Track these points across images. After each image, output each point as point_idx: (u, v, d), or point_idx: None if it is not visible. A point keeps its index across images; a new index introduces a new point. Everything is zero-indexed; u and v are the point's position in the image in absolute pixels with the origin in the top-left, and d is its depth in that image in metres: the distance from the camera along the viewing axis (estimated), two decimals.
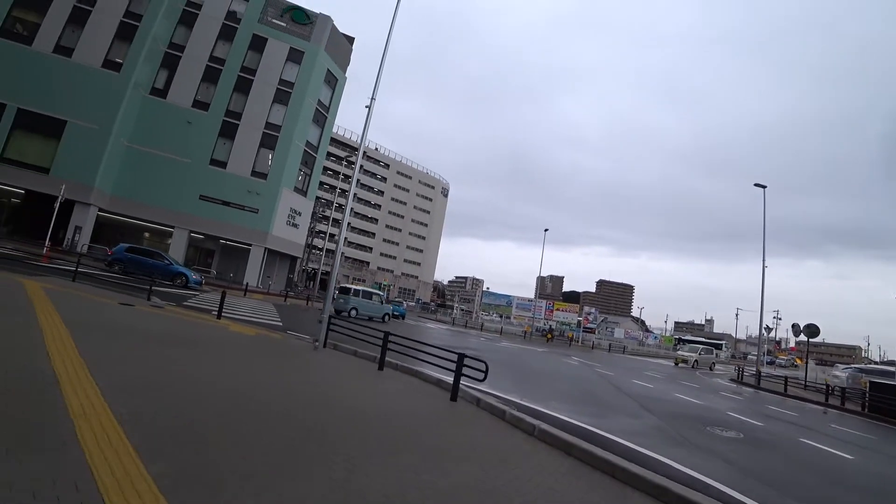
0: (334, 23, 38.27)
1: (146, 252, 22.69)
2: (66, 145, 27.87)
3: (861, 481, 7.16)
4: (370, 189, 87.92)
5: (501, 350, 21.80)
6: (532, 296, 55.21)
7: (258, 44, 35.12)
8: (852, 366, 34.38)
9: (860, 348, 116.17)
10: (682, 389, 16.29)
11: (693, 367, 31.94)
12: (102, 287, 13.95)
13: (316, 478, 3.47)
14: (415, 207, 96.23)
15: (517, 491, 3.93)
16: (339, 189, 57.27)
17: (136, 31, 30.00)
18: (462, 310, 72.35)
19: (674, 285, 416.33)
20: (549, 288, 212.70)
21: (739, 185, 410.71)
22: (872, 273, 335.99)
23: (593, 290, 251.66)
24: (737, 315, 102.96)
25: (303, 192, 38.82)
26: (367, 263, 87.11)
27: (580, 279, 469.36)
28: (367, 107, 12.16)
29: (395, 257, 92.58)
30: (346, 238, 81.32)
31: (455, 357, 7.38)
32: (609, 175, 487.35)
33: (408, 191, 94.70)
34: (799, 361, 76.18)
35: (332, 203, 52.35)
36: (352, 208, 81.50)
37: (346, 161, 71.22)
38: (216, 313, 12.63)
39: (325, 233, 56.05)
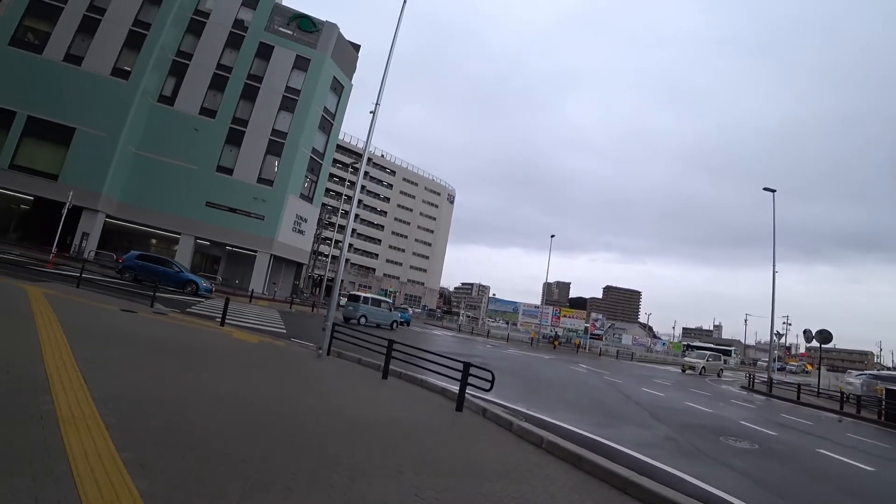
0: (340, 30, 38.50)
1: (157, 259, 22.70)
2: (74, 152, 28.11)
3: (886, 494, 6.88)
4: (376, 196, 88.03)
5: (508, 357, 21.54)
6: (539, 302, 54.86)
7: (265, 51, 35.37)
8: (866, 372, 33.64)
9: (872, 354, 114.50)
10: (692, 397, 15.96)
11: (700, 373, 31.42)
12: (106, 293, 13.91)
13: (314, 494, 3.30)
14: (421, 214, 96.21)
15: None
16: (345, 196, 57.42)
17: (144, 40, 30.32)
18: (468, 316, 72.05)
19: (681, 291, 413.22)
20: (556, 294, 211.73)
21: (746, 189, 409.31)
22: (884, 277, 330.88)
23: (600, 296, 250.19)
24: (745, 321, 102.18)
25: (309, 198, 38.87)
26: (374, 270, 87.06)
27: (587, 285, 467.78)
28: (371, 112, 12.10)
29: (401, 264, 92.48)
30: (352, 245, 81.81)
31: (461, 366, 7.20)
32: (615, 180, 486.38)
33: (414, 197, 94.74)
34: (810, 367, 75.04)
35: (338, 210, 52.38)
36: (358, 215, 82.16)
37: (352, 168, 71.45)
38: (220, 320, 12.53)
39: (331, 239, 56.10)
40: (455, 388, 7.40)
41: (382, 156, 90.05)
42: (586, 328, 48.49)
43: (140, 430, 3.84)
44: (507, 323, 53.11)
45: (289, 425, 4.80)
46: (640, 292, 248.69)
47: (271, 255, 34.74)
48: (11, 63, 27.59)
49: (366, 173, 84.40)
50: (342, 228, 56.11)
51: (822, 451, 9.34)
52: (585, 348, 44.41)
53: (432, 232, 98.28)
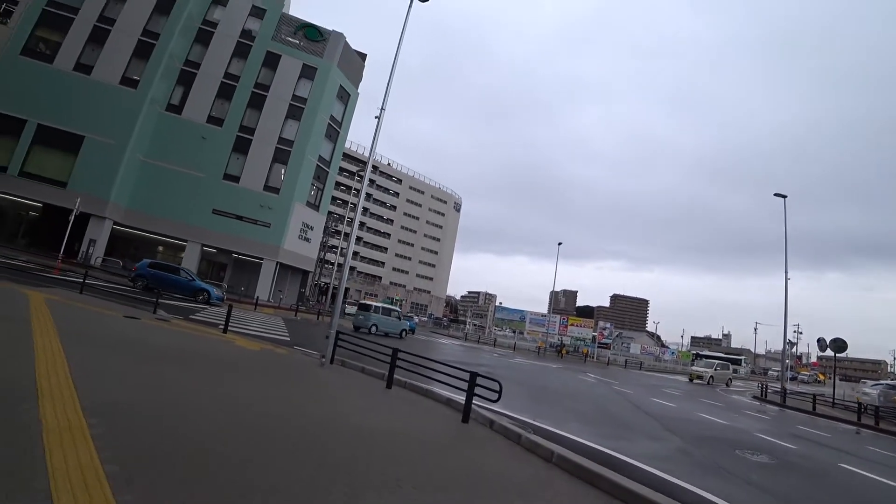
0: (347, 40, 38.72)
1: (169, 268, 22.66)
2: (83, 160, 28.31)
3: None
4: (383, 204, 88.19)
5: (515, 367, 21.21)
6: (545, 311, 54.41)
7: (272, 60, 35.60)
8: (882, 382, 32.84)
9: (885, 363, 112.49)
10: (704, 408, 15.56)
11: (708, 383, 30.78)
12: (109, 299, 13.80)
13: None
14: (427, 222, 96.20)
15: None
16: (352, 204, 57.56)
17: (153, 49, 30.60)
18: (475, 325, 71.63)
19: (689, 299, 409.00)
20: (563, 303, 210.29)
21: (754, 195, 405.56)
22: None
23: (607, 304, 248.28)
24: (755, 329, 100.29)
25: (315, 206, 38.89)
26: (380, 278, 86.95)
27: (594, 294, 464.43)
28: (376, 117, 12.01)
29: (407, 272, 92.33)
30: (358, 253, 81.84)
31: (467, 375, 6.95)
32: (621, 187, 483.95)
33: (420, 206, 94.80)
34: (822, 377, 73.75)
35: (345, 218, 52.46)
36: (364, 223, 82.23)
37: (359, 176, 71.69)
38: (222, 327, 12.36)
39: (337, 247, 56.15)
40: (461, 398, 7.15)
41: (389, 164, 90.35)
42: (594, 337, 47.91)
43: (129, 442, 3.64)
44: (514, 332, 52.63)
45: (287, 436, 4.58)
46: (647, 301, 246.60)
47: (277, 262, 34.69)
48: (23, 72, 27.91)
49: (372, 181, 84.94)
50: (348, 236, 56.18)
51: (844, 465, 8.96)
52: (593, 357, 43.85)
53: (438, 240, 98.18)
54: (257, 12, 35.91)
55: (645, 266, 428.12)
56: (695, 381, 31.48)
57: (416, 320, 46.18)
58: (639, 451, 7.20)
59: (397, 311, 28.18)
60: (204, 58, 33.78)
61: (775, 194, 25.01)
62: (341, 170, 58.57)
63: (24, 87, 27.61)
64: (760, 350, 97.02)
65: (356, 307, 26.36)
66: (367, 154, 77.21)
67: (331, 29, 38.04)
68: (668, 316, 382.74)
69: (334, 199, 60.42)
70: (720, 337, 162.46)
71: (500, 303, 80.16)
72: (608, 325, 55.67)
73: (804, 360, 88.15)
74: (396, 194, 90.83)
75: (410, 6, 12.25)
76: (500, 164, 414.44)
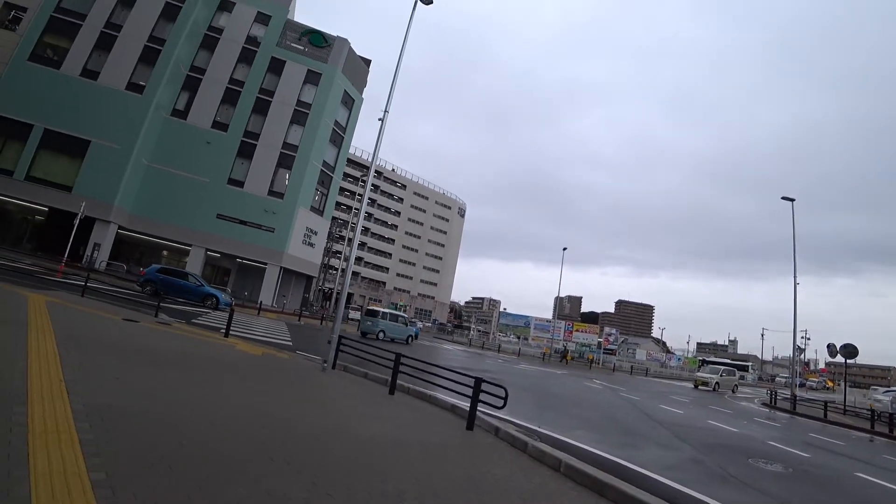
0: (351, 45, 38.83)
1: (177, 273, 22.58)
2: (88, 164, 28.38)
3: None
4: (387, 210, 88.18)
5: (520, 373, 20.96)
6: (550, 316, 54.01)
7: (276, 66, 35.72)
8: (893, 388, 32.31)
9: (894, 369, 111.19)
10: (713, 415, 15.25)
11: (714, 389, 30.27)
12: (111, 302, 13.70)
13: None
14: (432, 228, 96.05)
15: None
16: (356, 209, 57.45)
17: (159, 55, 30.74)
18: (479, 331, 71.19)
19: (694, 305, 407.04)
20: (568, 308, 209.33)
21: (760, 199, 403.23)
22: None
23: (612, 310, 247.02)
24: (762, 335, 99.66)
25: (319, 211, 38.85)
26: (384, 284, 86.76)
27: (598, 299, 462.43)
28: (380, 119, 11.94)
29: (411, 278, 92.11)
30: (362, 258, 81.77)
31: (471, 381, 6.76)
32: (625, 193, 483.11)
33: (424, 211, 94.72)
34: (830, 384, 72.81)
35: (349, 223, 52.39)
36: (368, 229, 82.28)
37: (363, 181, 71.74)
38: (224, 331, 12.22)
39: (341, 253, 56.08)
40: (465, 404, 6.96)
41: (393, 170, 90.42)
42: (599, 343, 47.47)
43: (118, 448, 3.49)
44: (519, 337, 52.26)
45: (284, 444, 4.42)
46: (652, 307, 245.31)
47: (281, 267, 34.61)
48: (31, 78, 28.07)
49: (377, 187, 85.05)
50: (352, 241, 55.96)
51: (860, 474, 8.68)
52: (599, 363, 43.43)
53: (443, 246, 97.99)
54: (262, 18, 36.09)
55: (649, 271, 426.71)
56: (700, 387, 31.00)
57: (420, 326, 45.94)
58: (649, 459, 6.98)
59: (404, 317, 28.38)
60: (209, 63, 33.95)
61: (783, 198, 24.66)
62: (346, 175, 58.71)
63: (31, 92, 27.76)
64: (767, 356, 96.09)
65: (361, 313, 26.44)
66: (371, 159, 76.75)
67: (335, 35, 38.18)
68: (673, 322, 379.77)
69: (339, 204, 60.52)
70: (726, 343, 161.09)
71: (505, 308, 79.90)
72: (614, 330, 55.21)
73: (812, 367, 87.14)
74: (401, 200, 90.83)
75: (414, 8, 12.19)
76: (504, 169, 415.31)
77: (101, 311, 11.37)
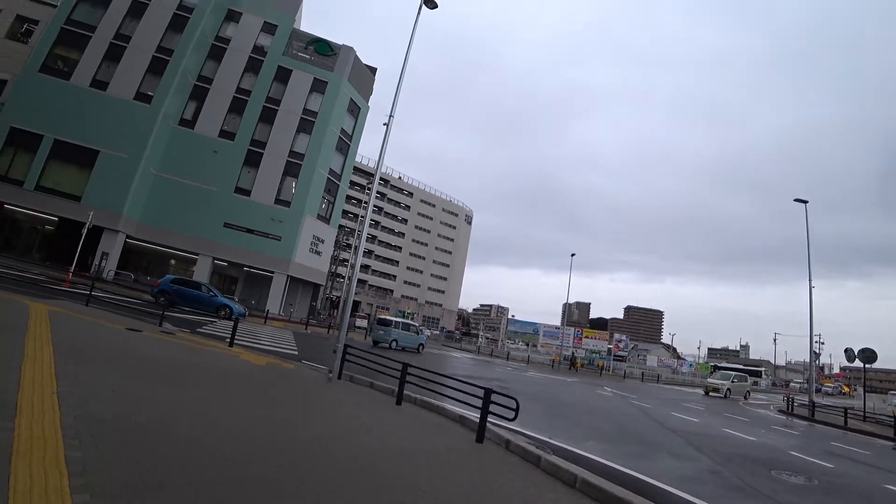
0: (357, 54, 38.99)
1: (191, 283, 22.50)
2: (97, 174, 28.55)
3: None
4: (394, 217, 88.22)
5: (529, 381, 20.62)
6: (559, 323, 53.50)
7: (283, 75, 35.90)
8: None
9: None
10: (729, 423, 14.82)
11: (725, 396, 29.57)
12: (115, 312, 13.61)
13: None
14: (439, 235, 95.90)
15: None
16: (362, 217, 57.49)
17: (166, 65, 30.97)
18: (487, 338, 70.73)
19: (704, 310, 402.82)
20: (576, 315, 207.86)
21: (768, 203, 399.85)
22: None
23: (621, 316, 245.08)
24: (775, 340, 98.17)
25: (326, 219, 38.84)
26: (391, 291, 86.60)
27: (607, 305, 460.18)
28: (384, 124, 11.83)
29: (419, 285, 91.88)
30: (370, 266, 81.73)
31: (481, 392, 6.51)
32: (632, 199, 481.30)
33: (431, 219, 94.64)
34: (846, 389, 71.33)
35: (356, 231, 52.42)
36: (375, 237, 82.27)
37: (369, 188, 71.82)
38: (229, 340, 12.06)
39: (348, 261, 56.05)
40: (474, 415, 6.71)
41: (400, 177, 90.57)
42: (609, 349, 46.87)
43: (106, 465, 3.29)
44: (527, 345, 51.78)
45: (286, 458, 4.20)
46: (661, 312, 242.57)
47: (288, 275, 34.55)
48: (41, 89, 28.38)
49: (383, 195, 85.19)
50: (358, 248, 55.86)
51: (890, 486, 8.29)
52: (609, 370, 42.82)
53: (450, 253, 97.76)
54: (269, 28, 36.34)
55: (658, 277, 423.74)
56: (710, 393, 30.32)
57: (428, 333, 45.62)
58: (666, 472, 6.69)
59: (415, 325, 28.38)
60: (216, 73, 34.18)
61: (796, 199, 24.23)
62: (352, 183, 58.70)
63: (41, 103, 28.06)
64: (780, 361, 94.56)
65: (369, 321, 26.36)
66: (376, 164, 76.89)
67: (341, 43, 38.37)
68: (683, 327, 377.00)
69: (345, 212, 60.50)
70: (738, 348, 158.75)
71: (513, 315, 79.08)
72: (624, 337, 54.65)
73: (826, 372, 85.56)
74: (407, 207, 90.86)
75: (419, 12, 12.09)
76: (507, 171, 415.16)
77: (103, 320, 11.26)
